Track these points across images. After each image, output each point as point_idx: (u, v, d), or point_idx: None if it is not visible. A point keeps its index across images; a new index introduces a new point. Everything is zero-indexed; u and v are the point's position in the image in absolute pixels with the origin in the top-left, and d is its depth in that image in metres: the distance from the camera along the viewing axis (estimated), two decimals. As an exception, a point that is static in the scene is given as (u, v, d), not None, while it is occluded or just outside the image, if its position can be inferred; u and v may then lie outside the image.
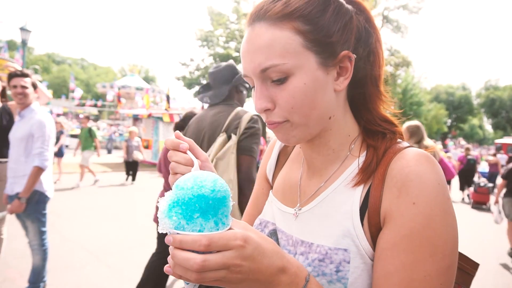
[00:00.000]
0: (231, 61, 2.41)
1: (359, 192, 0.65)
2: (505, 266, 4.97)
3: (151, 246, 4.85)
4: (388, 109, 0.74)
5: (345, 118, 0.71)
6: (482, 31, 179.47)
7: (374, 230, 0.62)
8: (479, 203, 9.65)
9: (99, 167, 12.47)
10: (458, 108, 62.18)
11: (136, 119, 15.66)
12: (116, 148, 19.68)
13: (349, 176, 0.68)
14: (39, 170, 2.88)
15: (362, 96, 0.71)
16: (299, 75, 0.60)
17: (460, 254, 0.75)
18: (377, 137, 0.69)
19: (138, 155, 10.09)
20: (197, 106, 27.02)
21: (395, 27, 32.01)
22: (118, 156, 15.86)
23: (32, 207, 2.94)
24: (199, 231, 0.49)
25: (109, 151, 18.56)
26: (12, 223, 3.38)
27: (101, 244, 4.72)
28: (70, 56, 73.07)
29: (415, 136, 4.57)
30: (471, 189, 10.20)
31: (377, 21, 0.72)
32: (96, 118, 37.69)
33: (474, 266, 0.77)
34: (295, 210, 0.74)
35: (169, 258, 0.50)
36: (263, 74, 0.62)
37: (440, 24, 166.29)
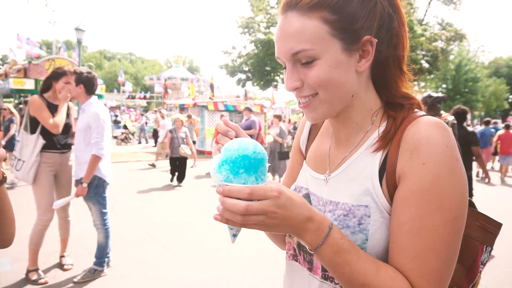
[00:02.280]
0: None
1: (378, 157, 0.74)
2: None
3: (201, 227, 5.14)
4: (409, 88, 0.80)
5: (367, 94, 0.78)
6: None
7: (391, 189, 0.71)
8: None
9: (149, 155, 13.18)
10: (521, 82, 56.98)
11: (182, 108, 16.25)
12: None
13: (371, 144, 0.76)
14: (96, 158, 3.20)
15: (383, 76, 0.79)
16: (324, 59, 0.69)
17: (483, 215, 0.81)
18: (396, 108, 0.77)
19: (186, 150, 8.03)
20: (240, 94, 27.26)
21: (447, -1, 29.80)
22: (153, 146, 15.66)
23: (93, 191, 3.29)
24: (243, 183, 0.61)
25: (140, 142, 18.63)
26: (81, 206, 3.77)
27: (155, 226, 5.10)
28: (119, 51, 76.53)
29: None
30: None
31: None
32: (146, 110, 39.51)
33: (497, 225, 0.82)
34: (325, 176, 0.84)
35: (217, 207, 0.62)
36: (294, 57, 0.71)
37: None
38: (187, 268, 3.77)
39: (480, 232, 0.80)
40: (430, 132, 0.67)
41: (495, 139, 10.92)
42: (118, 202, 6.23)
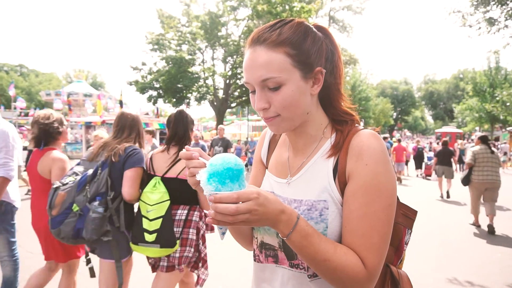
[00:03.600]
0: None
1: (331, 161, 0.92)
2: (440, 202, 9.63)
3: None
4: (347, 105, 1.01)
5: (317, 112, 0.98)
6: (419, 29, 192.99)
7: (342, 186, 0.89)
8: (428, 175, 15.03)
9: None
10: (402, 101, 66.23)
11: (88, 126, 15.10)
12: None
13: (324, 151, 0.95)
14: (4, 181, 2.86)
15: (328, 97, 0.99)
16: (288, 84, 0.86)
17: (404, 205, 1.04)
18: (342, 124, 0.97)
19: None
20: (150, 111, 26.26)
21: (341, 27, 33.51)
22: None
23: (0, 218, 2.92)
24: (230, 190, 0.75)
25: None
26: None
27: (67, 254, 4.65)
28: (6, 63, 67.50)
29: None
30: (423, 167, 15.70)
31: (325, 22, 1.00)
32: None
33: (414, 212, 1.06)
34: (287, 180, 1.00)
35: (209, 212, 0.74)
36: (263, 83, 0.86)
37: (382, 23, 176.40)
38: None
39: (403, 218, 1.04)
40: (369, 141, 0.87)
41: (391, 150, 13.67)
42: (20, 231, 5.51)
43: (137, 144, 2.59)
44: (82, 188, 2.27)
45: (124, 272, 2.46)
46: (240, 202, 0.73)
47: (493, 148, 6.50)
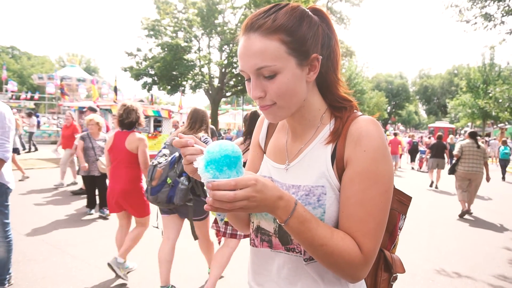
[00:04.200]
0: None
1: (329, 148, 0.92)
2: (431, 191, 10.25)
3: (113, 235, 4.88)
4: (345, 90, 1.00)
5: (314, 98, 0.97)
6: (415, 23, 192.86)
7: (340, 172, 0.90)
8: (421, 167, 16.41)
9: (44, 163, 11.83)
10: (397, 95, 66.29)
11: (82, 111, 14.91)
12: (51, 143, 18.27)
13: (323, 138, 0.95)
14: (0, 162, 2.86)
15: (325, 83, 0.97)
16: (283, 73, 0.84)
17: (399, 191, 1.06)
18: (341, 110, 0.97)
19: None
20: (144, 98, 25.96)
21: (339, 18, 33.29)
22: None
23: (-6, 199, 2.92)
24: (227, 177, 0.75)
25: (24, 148, 15.26)
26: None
27: (62, 238, 4.67)
28: (-3, 45, 66.04)
29: None
30: (417, 160, 16.89)
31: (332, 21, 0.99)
32: (30, 113, 34.85)
33: (408, 198, 1.08)
34: (285, 166, 1.01)
35: (207, 199, 0.74)
36: (258, 71, 0.84)
37: (379, 17, 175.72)
38: (103, 277, 3.58)
39: (398, 204, 1.06)
40: (368, 127, 0.87)
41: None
42: (13, 212, 5.50)
43: (206, 134, 3.24)
44: (172, 167, 2.97)
45: (204, 229, 3.34)
46: (238, 189, 0.72)
47: (479, 143, 7.13)
